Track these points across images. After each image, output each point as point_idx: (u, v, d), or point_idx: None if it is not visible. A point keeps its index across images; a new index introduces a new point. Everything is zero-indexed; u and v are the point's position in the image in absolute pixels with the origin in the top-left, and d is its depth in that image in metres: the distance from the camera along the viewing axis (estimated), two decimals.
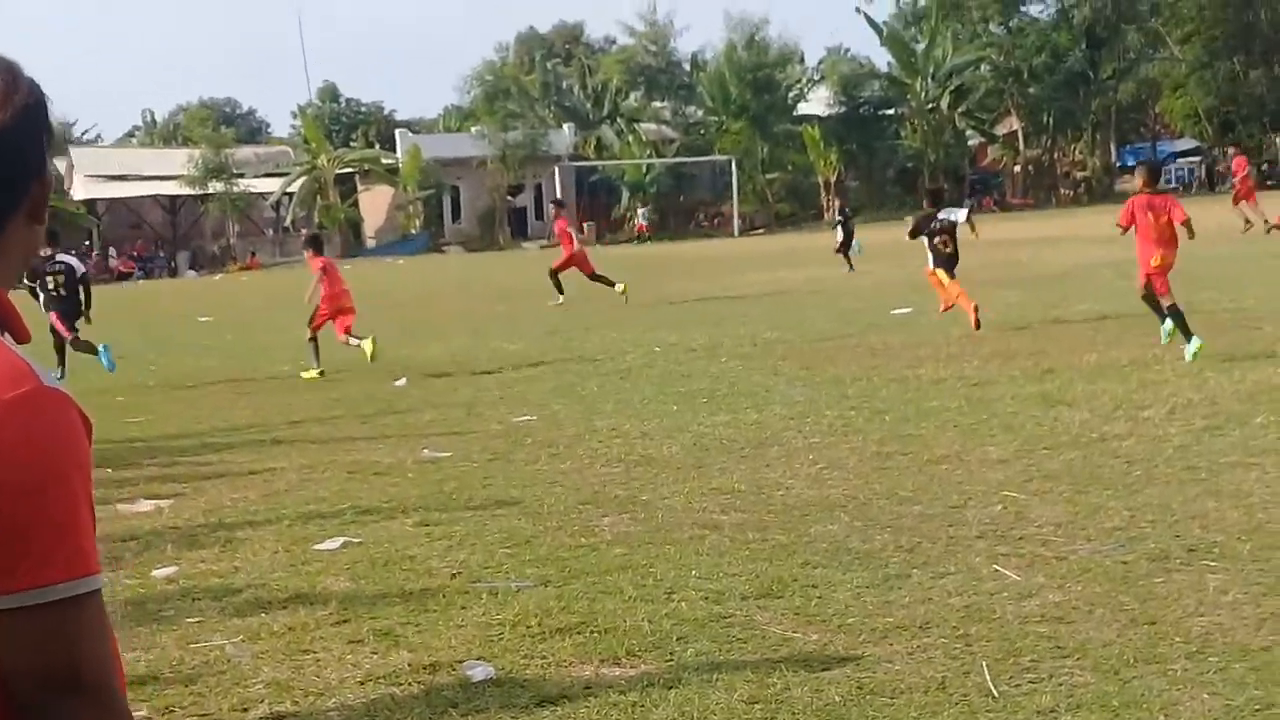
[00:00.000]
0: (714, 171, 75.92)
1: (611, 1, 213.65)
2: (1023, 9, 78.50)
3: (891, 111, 79.95)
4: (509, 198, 75.04)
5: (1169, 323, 14.94)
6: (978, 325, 17.76)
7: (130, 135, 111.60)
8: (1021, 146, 79.25)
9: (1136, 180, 16.22)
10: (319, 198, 73.48)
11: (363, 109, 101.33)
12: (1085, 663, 5.77)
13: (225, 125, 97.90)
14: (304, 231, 45.05)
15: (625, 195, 74.08)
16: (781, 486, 9.54)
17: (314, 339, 18.67)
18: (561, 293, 27.17)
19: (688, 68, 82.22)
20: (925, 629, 6.33)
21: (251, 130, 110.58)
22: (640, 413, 13.31)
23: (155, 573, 8.18)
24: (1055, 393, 12.63)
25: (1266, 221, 34.42)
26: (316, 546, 8.57)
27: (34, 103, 1.97)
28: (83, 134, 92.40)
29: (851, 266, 33.78)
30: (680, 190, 74.73)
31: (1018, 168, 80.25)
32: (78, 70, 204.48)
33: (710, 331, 20.18)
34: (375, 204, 76.55)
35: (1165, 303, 14.85)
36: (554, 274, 27.52)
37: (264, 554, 8.49)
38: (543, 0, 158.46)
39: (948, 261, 19.17)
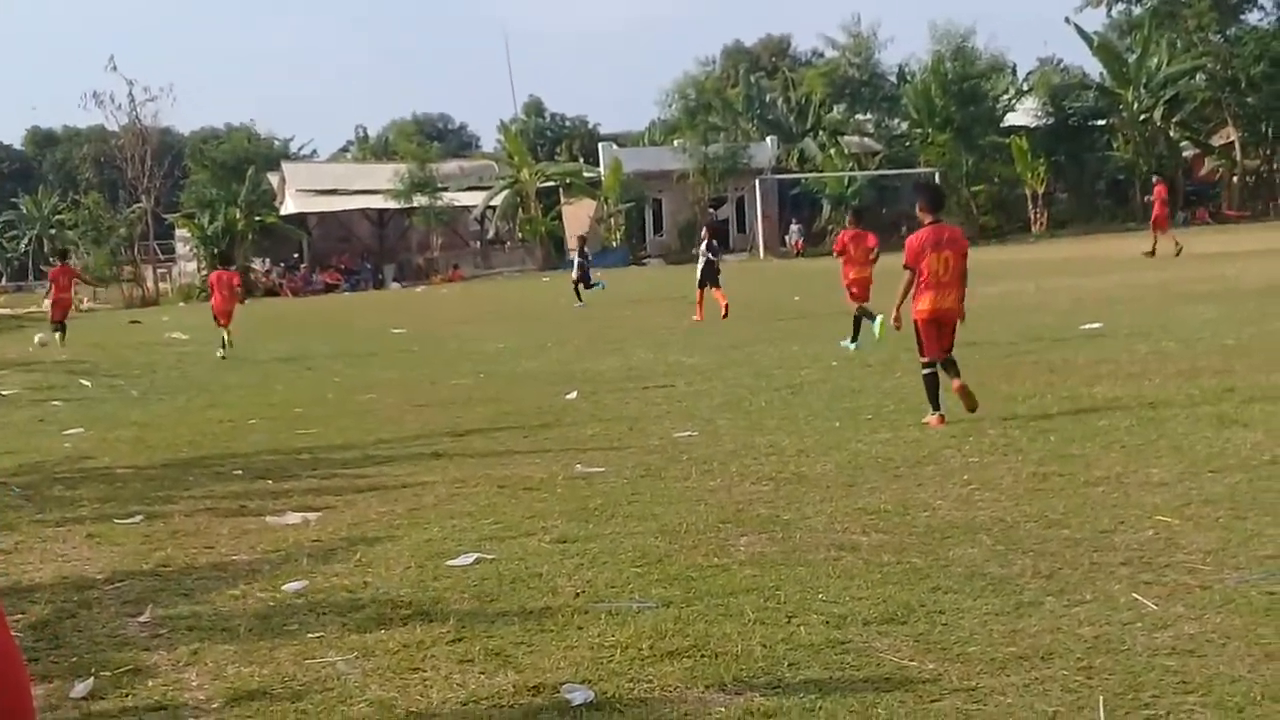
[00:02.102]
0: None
1: (817, 14, 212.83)
2: (1241, 17, 76.48)
3: (1102, 122, 78.36)
4: (710, 210, 75.06)
5: None
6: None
7: (344, 150, 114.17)
8: (1239, 157, 77.06)
9: None
10: (521, 210, 74.21)
11: (567, 124, 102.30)
12: (1209, 699, 5.46)
13: (436, 140, 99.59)
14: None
15: (826, 208, 73.59)
16: (928, 507, 9.28)
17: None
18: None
19: (892, 80, 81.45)
20: (1047, 660, 6.06)
21: (462, 145, 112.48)
22: (802, 429, 13.11)
23: (286, 586, 8.21)
24: (1232, 413, 12.13)
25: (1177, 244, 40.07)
26: (449, 562, 8.53)
27: None
28: (299, 149, 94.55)
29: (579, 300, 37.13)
30: (883, 203, 73.96)
31: (1235, 179, 78.04)
32: (298, 89, 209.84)
33: (890, 346, 19.85)
34: (577, 217, 77.08)
35: None
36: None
37: (396, 569, 8.47)
38: (749, 14, 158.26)
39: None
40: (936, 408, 12.94)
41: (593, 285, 39.00)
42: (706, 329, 25.68)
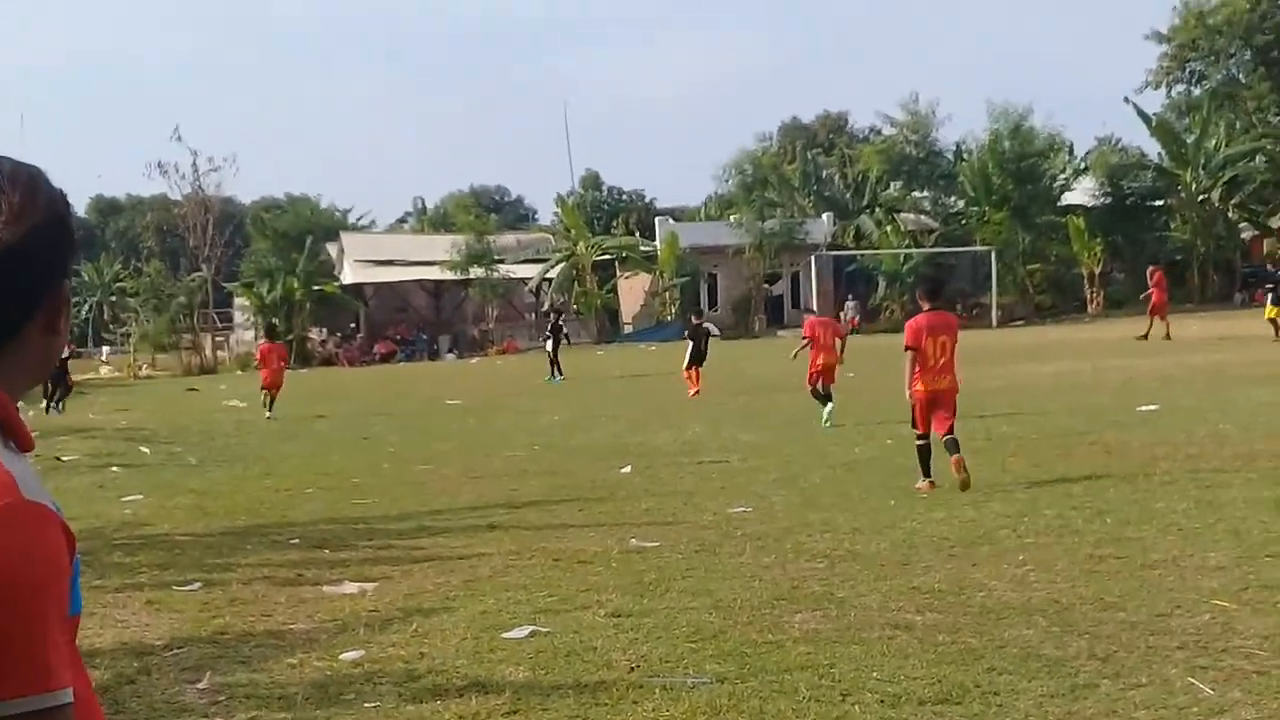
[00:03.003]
0: (974, 261, 74.91)
1: (875, 91, 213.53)
2: None
3: (1160, 203, 78.05)
4: (765, 285, 75.11)
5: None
6: None
7: (402, 222, 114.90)
8: None
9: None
10: (577, 284, 74.46)
11: (624, 197, 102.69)
12: None
13: (493, 213, 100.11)
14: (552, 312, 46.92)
15: (882, 285, 73.52)
16: (983, 588, 9.27)
17: None
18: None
19: (949, 157, 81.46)
20: None
21: (519, 217, 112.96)
22: (856, 507, 13.12)
23: (344, 655, 8.27)
24: None
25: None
26: (505, 635, 8.57)
27: (53, 216, 2.00)
28: (358, 220, 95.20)
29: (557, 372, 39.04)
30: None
31: None
32: (358, 160, 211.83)
33: None
34: (633, 290, 77.28)
35: None
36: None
37: (452, 640, 8.52)
38: (807, 90, 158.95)
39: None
40: (927, 474, 14.22)
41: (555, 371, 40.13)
42: (764, 406, 25.71)
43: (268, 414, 29.94)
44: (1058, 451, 16.30)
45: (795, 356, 24.53)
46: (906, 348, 14.43)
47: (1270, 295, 39.30)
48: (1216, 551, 10.05)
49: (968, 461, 13.91)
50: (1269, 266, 43.49)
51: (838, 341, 22.99)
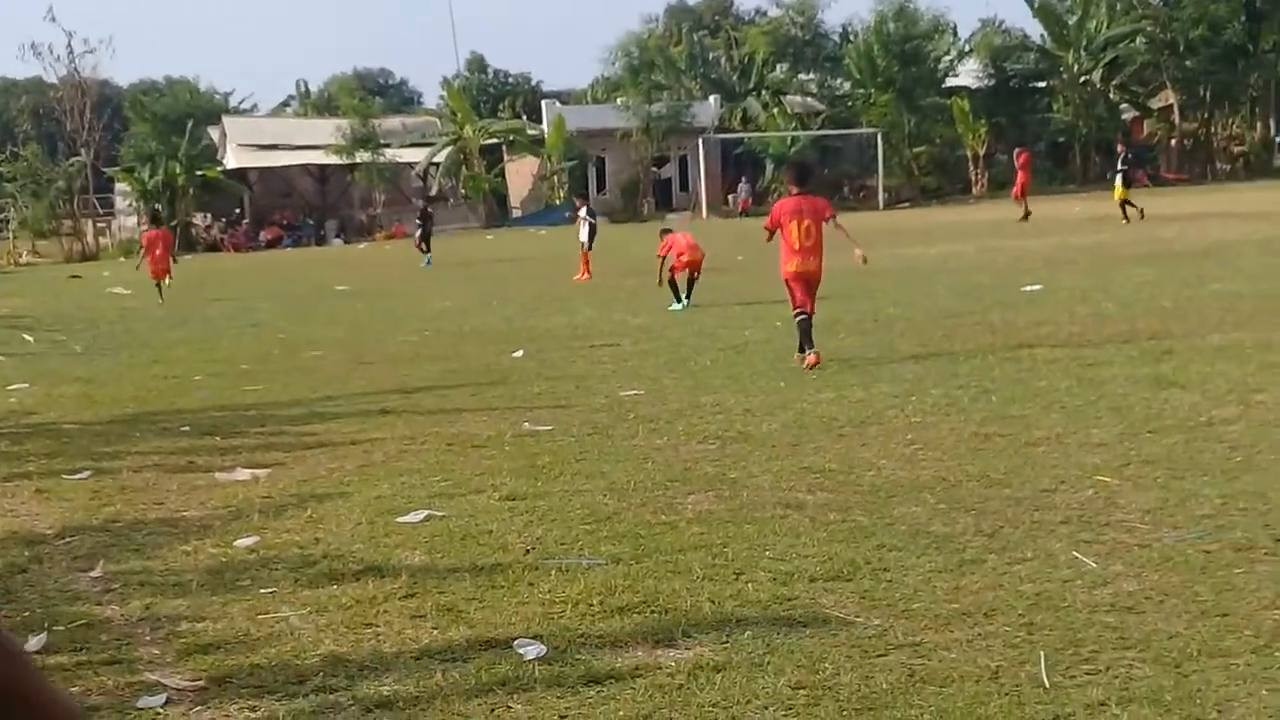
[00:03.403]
0: (860, 144, 75.22)
1: None
2: None
3: (1043, 84, 78.64)
4: (653, 169, 74.99)
5: None
6: None
7: (285, 105, 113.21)
8: (1177, 121, 77.51)
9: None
10: (464, 168, 73.92)
11: (510, 80, 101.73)
12: (1146, 655, 5.60)
13: (378, 96, 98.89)
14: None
15: (770, 168, 73.59)
16: (873, 466, 9.42)
17: None
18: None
19: (835, 40, 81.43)
20: (990, 616, 6.19)
21: (404, 101, 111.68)
22: (747, 388, 13.23)
23: (239, 542, 8.27)
24: (1170, 374, 12.32)
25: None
26: (400, 519, 8.60)
27: None
28: (239, 103, 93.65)
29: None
30: (825, 163, 74.03)
31: (1173, 142, 78.52)
32: (237, 42, 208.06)
33: (833, 307, 19.95)
34: (521, 174, 76.87)
35: None
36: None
37: (347, 526, 8.55)
38: None
39: None
40: (811, 346, 14.43)
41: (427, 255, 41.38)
42: (649, 289, 25.73)
43: (160, 302, 29.76)
44: (943, 332, 16.51)
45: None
46: (765, 228, 15.21)
47: (1120, 176, 39.57)
48: (1098, 429, 10.25)
49: (856, 343, 14.08)
50: (1119, 149, 43.32)
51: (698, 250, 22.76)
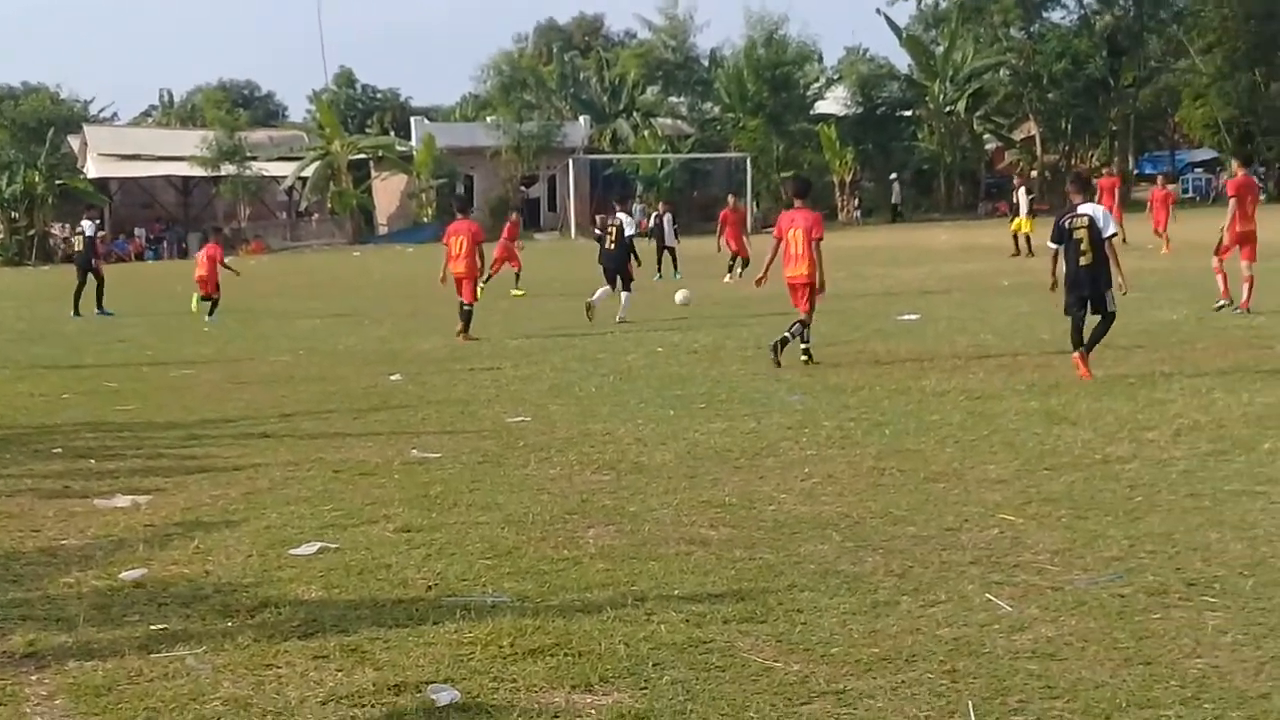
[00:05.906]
0: (729, 168, 75.49)
1: None
2: (1044, 15, 78.11)
3: (909, 113, 79.58)
4: (522, 188, 74.76)
5: None
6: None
7: (147, 115, 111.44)
8: (1039, 152, 78.79)
9: None
10: (332, 183, 73.23)
11: (379, 96, 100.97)
12: (1075, 705, 5.50)
13: (243, 108, 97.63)
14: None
15: (639, 189, 73.65)
16: (774, 501, 9.30)
17: None
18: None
19: (706, 64, 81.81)
20: (911, 662, 6.07)
21: (269, 114, 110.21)
22: (635, 416, 13.08)
23: (124, 574, 7.93)
24: (1060, 409, 12.36)
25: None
26: (292, 551, 8.32)
27: None
28: (99, 112, 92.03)
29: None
30: (695, 186, 74.27)
31: (1035, 173, 79.74)
32: (96, 48, 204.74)
33: (715, 333, 19.95)
34: (388, 191, 76.31)
35: None
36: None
37: (237, 557, 8.25)
38: None
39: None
40: (800, 342, 16.18)
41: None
42: (527, 308, 25.57)
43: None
44: (827, 361, 16.46)
45: None
46: (774, 238, 16.53)
47: (1026, 207, 39.32)
48: (995, 464, 10.23)
49: (742, 370, 14.08)
50: (1017, 182, 43.43)
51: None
